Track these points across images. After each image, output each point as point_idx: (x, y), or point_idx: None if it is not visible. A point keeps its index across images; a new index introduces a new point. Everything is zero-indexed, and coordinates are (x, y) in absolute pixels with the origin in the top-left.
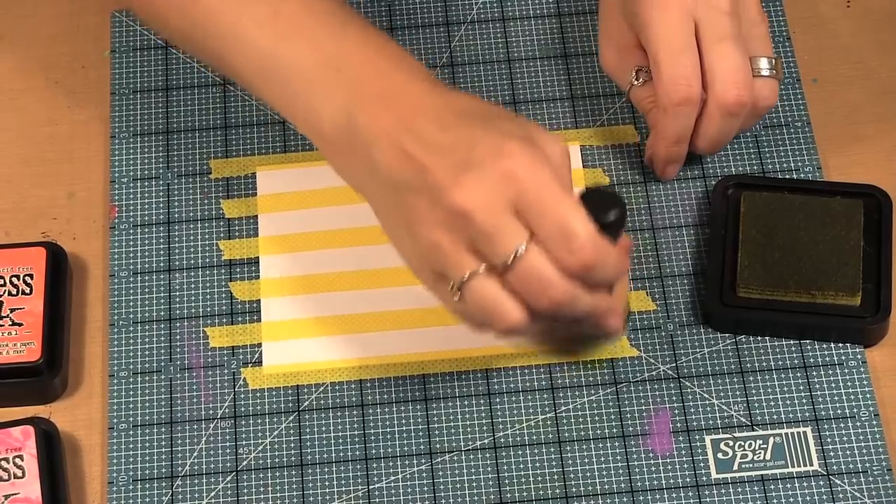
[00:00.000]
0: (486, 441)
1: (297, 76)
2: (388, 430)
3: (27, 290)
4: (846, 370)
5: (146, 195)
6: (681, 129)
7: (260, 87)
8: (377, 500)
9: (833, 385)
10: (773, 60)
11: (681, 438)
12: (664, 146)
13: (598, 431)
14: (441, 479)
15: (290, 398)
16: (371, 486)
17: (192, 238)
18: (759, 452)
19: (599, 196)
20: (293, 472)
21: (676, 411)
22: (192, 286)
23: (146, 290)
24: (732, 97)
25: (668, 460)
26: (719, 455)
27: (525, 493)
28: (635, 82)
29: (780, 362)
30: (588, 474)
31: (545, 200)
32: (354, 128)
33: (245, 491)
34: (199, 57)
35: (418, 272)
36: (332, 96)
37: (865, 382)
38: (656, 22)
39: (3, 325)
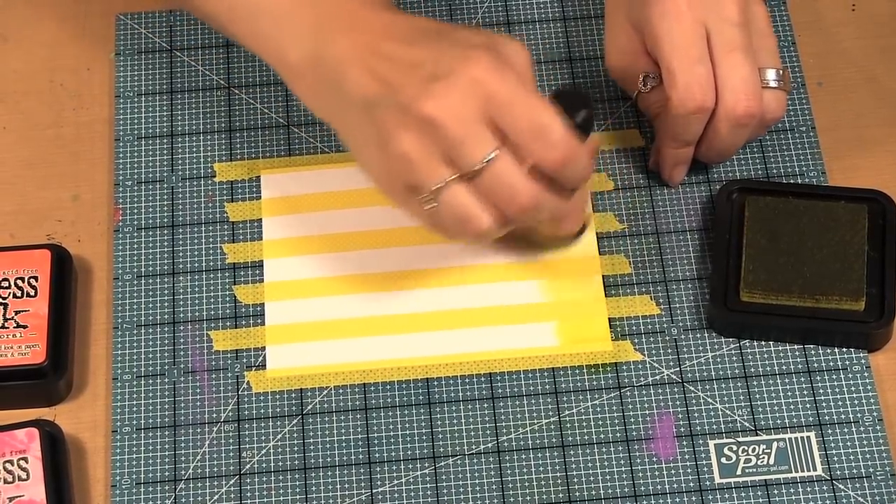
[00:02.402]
0: (489, 445)
1: (260, 11)
2: (391, 433)
3: (32, 293)
4: (850, 375)
5: (150, 198)
6: (691, 136)
7: (230, 25)
8: (381, 503)
9: (837, 390)
10: (781, 72)
11: (684, 443)
12: (673, 149)
13: (602, 436)
14: (444, 483)
15: (293, 402)
16: (374, 490)
17: (196, 241)
18: (763, 457)
19: (568, 97)
20: (296, 476)
21: (680, 416)
22: (196, 289)
23: (150, 293)
24: (742, 108)
25: (672, 465)
26: (723, 460)
27: (528, 497)
28: (643, 88)
29: (783, 367)
30: (591, 478)
31: (515, 102)
32: (321, 57)
33: (248, 494)
34: (184, 6)
35: (389, 189)
36: (299, 30)
37: (869, 387)
38: (670, 31)
39: (8, 328)
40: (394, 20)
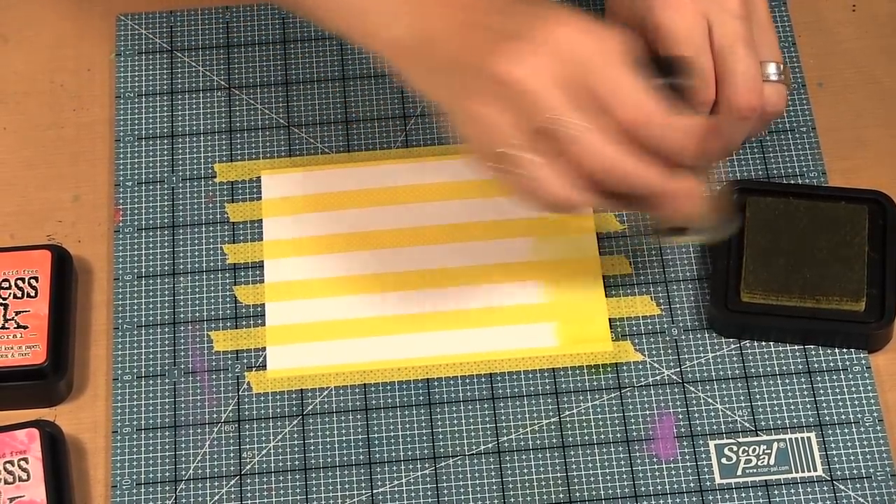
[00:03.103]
0: (489, 445)
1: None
2: (391, 434)
3: (32, 293)
4: (850, 375)
5: (151, 198)
6: None
7: (321, 10)
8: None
9: (837, 390)
10: (781, 66)
11: (685, 443)
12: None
13: (602, 436)
14: (445, 484)
15: (294, 402)
16: (375, 491)
17: (196, 242)
18: (763, 457)
19: (662, 61)
20: (297, 477)
21: (680, 416)
22: (197, 290)
23: (150, 293)
24: (743, 101)
25: (672, 465)
26: (723, 460)
27: (529, 498)
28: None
29: (784, 367)
30: (592, 479)
31: (596, 67)
32: (417, 32)
33: (249, 495)
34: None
35: (478, 152)
36: (393, 8)
37: (869, 388)
38: (671, 21)
39: (9, 328)
40: None
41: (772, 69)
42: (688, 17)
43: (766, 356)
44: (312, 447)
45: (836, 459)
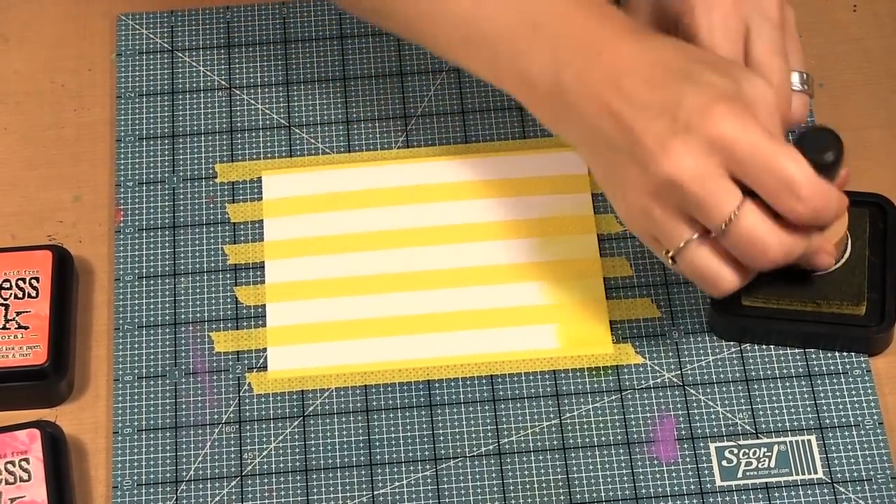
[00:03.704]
0: (490, 447)
1: (499, 38)
2: (392, 435)
3: (33, 294)
4: (851, 379)
5: (151, 199)
6: None
7: (462, 54)
8: None
9: (837, 393)
10: (806, 76)
11: (685, 446)
12: None
13: (603, 438)
14: (445, 486)
15: (294, 403)
16: (375, 492)
17: (197, 242)
18: (764, 460)
19: (815, 137)
20: (298, 478)
21: (681, 419)
22: (197, 290)
23: (151, 294)
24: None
25: (673, 468)
26: (724, 462)
27: (529, 500)
28: None
29: (784, 371)
30: (592, 481)
31: (758, 156)
32: (562, 86)
33: (249, 496)
34: (392, 30)
35: (635, 231)
36: (537, 55)
37: (870, 391)
38: (711, 23)
39: (9, 329)
40: (636, 53)
41: (797, 79)
42: (729, 19)
43: (766, 359)
44: (313, 448)
45: (836, 462)
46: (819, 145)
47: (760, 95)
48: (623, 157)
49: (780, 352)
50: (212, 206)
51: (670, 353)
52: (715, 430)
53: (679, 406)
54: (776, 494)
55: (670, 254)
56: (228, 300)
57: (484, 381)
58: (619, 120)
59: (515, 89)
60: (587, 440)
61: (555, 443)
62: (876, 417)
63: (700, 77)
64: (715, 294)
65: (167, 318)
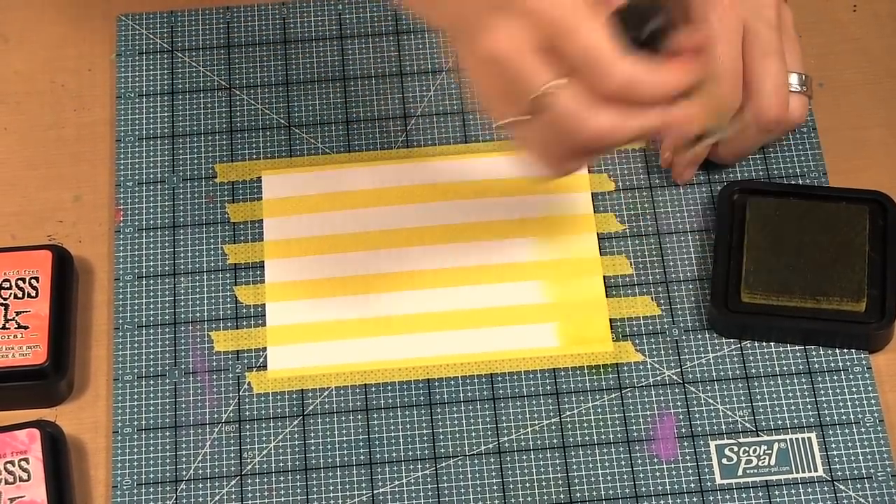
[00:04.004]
0: (490, 446)
1: None
2: (392, 434)
3: (33, 293)
4: (851, 376)
5: (151, 199)
6: None
7: None
8: None
9: (838, 391)
10: (805, 77)
11: (685, 444)
12: (691, 146)
13: (603, 436)
14: (445, 484)
15: (294, 402)
16: (375, 491)
17: (197, 242)
18: (764, 458)
19: (633, 10)
20: (297, 477)
21: (681, 416)
22: (197, 290)
23: (151, 293)
24: (773, 114)
25: (673, 466)
26: (724, 460)
27: (529, 498)
28: None
29: (784, 368)
30: (592, 479)
31: (568, 30)
32: None
33: (249, 495)
34: None
35: (486, 97)
36: None
37: (870, 388)
38: (710, 25)
39: (9, 328)
40: None
41: (795, 80)
42: (728, 20)
43: (766, 356)
44: (313, 447)
45: (836, 460)
46: (638, 19)
47: None
48: (458, 42)
49: (780, 349)
50: (212, 205)
51: (670, 351)
52: (715, 427)
53: (679, 404)
54: (776, 492)
55: (534, 107)
56: (228, 300)
57: (484, 379)
58: (471, 8)
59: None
60: (587, 438)
61: (555, 441)
62: (876, 415)
63: None
64: (554, 172)
65: (167, 317)
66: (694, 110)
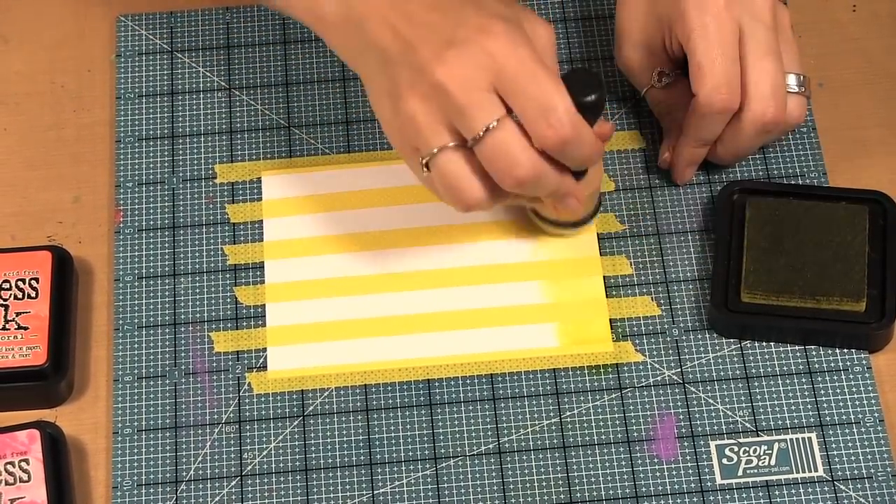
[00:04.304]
0: (490, 446)
1: None
2: (392, 435)
3: (33, 294)
4: (851, 376)
5: (151, 199)
6: (711, 135)
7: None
8: None
9: (838, 390)
10: (803, 77)
11: (685, 444)
12: (691, 147)
13: (603, 436)
14: (445, 485)
15: (294, 403)
16: (375, 491)
17: (196, 242)
18: (764, 458)
19: (580, 77)
20: (298, 477)
21: (681, 416)
22: (197, 291)
23: (151, 294)
24: (771, 115)
25: (673, 466)
26: (724, 460)
27: (530, 498)
28: (657, 84)
29: (784, 368)
30: (592, 479)
31: (525, 77)
32: (351, 8)
33: (249, 496)
34: None
35: (396, 145)
36: None
37: (870, 388)
38: (705, 26)
39: (9, 329)
40: None
41: (793, 80)
42: (722, 23)
43: (766, 356)
44: (313, 448)
45: (836, 460)
46: (582, 86)
47: (539, 30)
48: (398, 68)
49: (781, 349)
50: (211, 206)
51: (670, 351)
52: (715, 427)
53: (679, 404)
54: (777, 492)
55: (425, 160)
56: (228, 300)
57: (484, 379)
58: (398, 33)
59: (308, 18)
60: (587, 438)
61: (555, 441)
62: (876, 415)
63: (484, 3)
64: (461, 208)
65: (167, 318)
66: (581, 192)
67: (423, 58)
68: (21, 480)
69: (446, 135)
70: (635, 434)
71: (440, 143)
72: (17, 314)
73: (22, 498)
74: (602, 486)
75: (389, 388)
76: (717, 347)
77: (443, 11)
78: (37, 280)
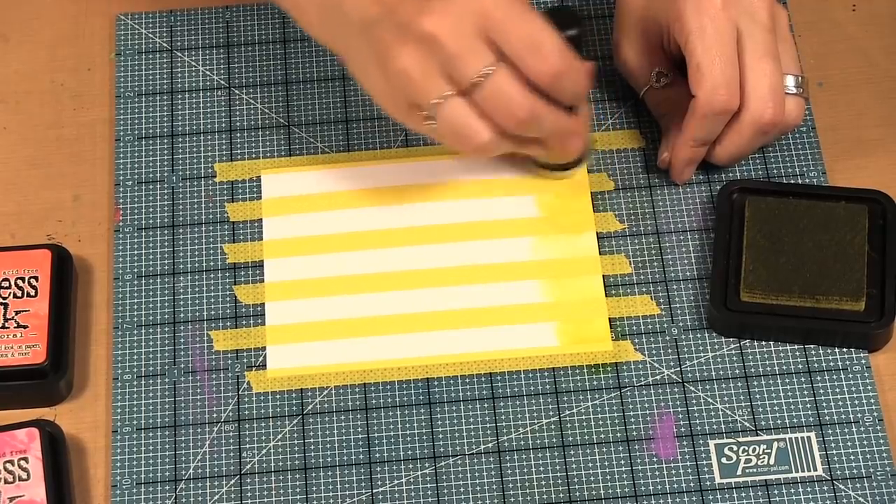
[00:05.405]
0: (489, 445)
1: None
2: (391, 433)
3: (32, 293)
4: (850, 375)
5: (151, 198)
6: (709, 136)
7: None
8: (381, 503)
9: (837, 390)
10: (801, 78)
11: (685, 443)
12: (689, 147)
13: (602, 436)
14: (445, 483)
15: (293, 402)
16: (375, 490)
17: (196, 241)
18: (763, 457)
19: (560, 15)
20: (297, 476)
21: (680, 416)
22: (197, 289)
23: (150, 293)
24: (769, 116)
25: (672, 465)
26: (723, 460)
27: (529, 497)
28: (655, 84)
29: (784, 367)
30: (592, 479)
31: (510, 18)
32: None
33: (249, 495)
34: None
35: (392, 108)
36: None
37: (869, 387)
38: (703, 28)
39: (9, 328)
40: None
41: (791, 81)
42: (720, 24)
43: (765, 356)
44: (312, 447)
45: (836, 459)
46: (563, 23)
47: None
48: (382, 29)
49: (780, 348)
50: (211, 205)
51: (669, 350)
52: (714, 427)
53: (678, 403)
54: (776, 492)
55: (428, 111)
56: (227, 299)
57: (483, 378)
58: (394, 3)
59: (284, 4)
60: (586, 438)
61: (554, 440)
62: (876, 414)
63: None
64: (472, 151)
65: (166, 316)
66: (584, 127)
67: (406, 13)
68: (20, 479)
69: (443, 84)
70: (634, 433)
71: (439, 93)
72: (17, 313)
73: (21, 496)
74: (601, 485)
75: (388, 386)
76: (717, 347)
77: None
78: (36, 278)
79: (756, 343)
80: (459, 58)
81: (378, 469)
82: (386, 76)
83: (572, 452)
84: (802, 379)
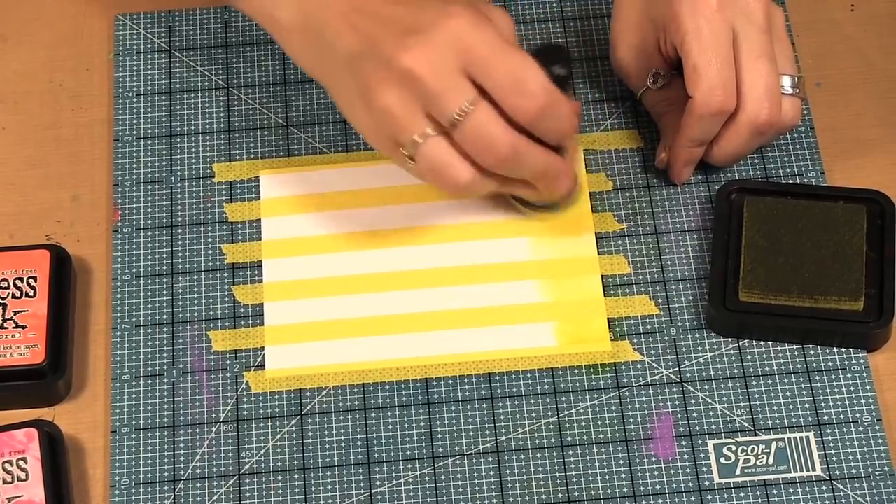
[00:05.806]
0: (488, 445)
1: None
2: (390, 433)
3: (31, 293)
4: (849, 375)
5: (149, 198)
6: (706, 136)
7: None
8: (380, 503)
9: (836, 390)
10: (797, 79)
11: (683, 443)
12: (687, 147)
13: (601, 436)
14: (444, 483)
15: (292, 402)
16: (374, 490)
17: (195, 242)
18: (762, 457)
19: (547, 52)
20: (296, 476)
21: (679, 416)
22: (195, 290)
23: (149, 293)
24: (765, 117)
25: (671, 465)
26: (722, 460)
27: (528, 498)
28: (652, 85)
29: (782, 367)
30: (590, 479)
31: (493, 55)
32: (308, 14)
33: (247, 495)
34: None
35: (376, 143)
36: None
37: (868, 387)
38: (699, 29)
39: (7, 328)
40: None
41: (787, 82)
42: (716, 25)
43: (764, 356)
44: (311, 447)
45: (834, 459)
46: (551, 60)
47: (499, 15)
48: (364, 64)
49: (778, 348)
50: (209, 205)
51: (668, 350)
52: (713, 427)
53: (677, 403)
54: (774, 492)
55: (409, 149)
56: (226, 299)
57: (482, 379)
58: (359, 31)
59: (267, 24)
60: (585, 438)
61: (553, 440)
62: (874, 414)
63: None
64: (453, 191)
65: (165, 317)
66: (570, 169)
67: (387, 49)
68: (19, 479)
69: (424, 122)
70: (633, 433)
71: (419, 131)
72: (16, 313)
73: (20, 497)
74: (600, 485)
75: (387, 387)
76: (715, 346)
77: (404, 4)
78: (35, 279)
79: (755, 343)
80: (439, 94)
81: (377, 469)
82: (369, 112)
83: (571, 452)
84: (801, 379)
